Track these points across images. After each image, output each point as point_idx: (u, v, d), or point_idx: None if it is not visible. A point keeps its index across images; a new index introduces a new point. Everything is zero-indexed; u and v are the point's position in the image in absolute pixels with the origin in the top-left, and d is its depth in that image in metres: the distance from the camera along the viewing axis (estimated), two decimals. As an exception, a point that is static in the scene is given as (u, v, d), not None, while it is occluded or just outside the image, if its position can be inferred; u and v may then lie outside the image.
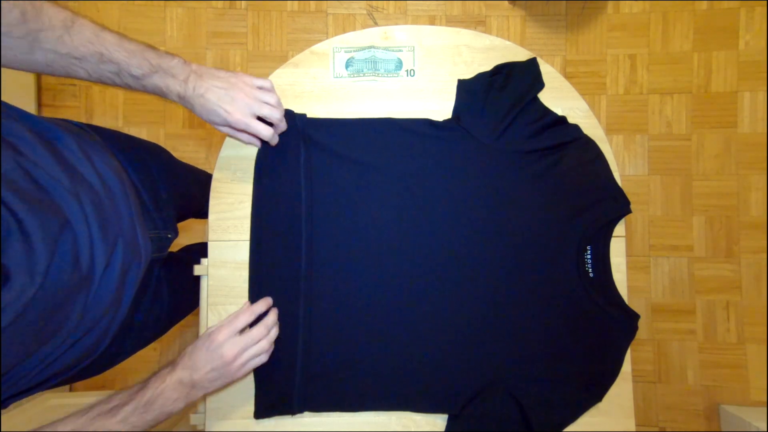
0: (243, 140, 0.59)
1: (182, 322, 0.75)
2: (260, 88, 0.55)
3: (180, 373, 0.49)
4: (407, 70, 0.65)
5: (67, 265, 0.41)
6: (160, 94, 0.50)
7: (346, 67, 0.66)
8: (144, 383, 0.48)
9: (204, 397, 0.61)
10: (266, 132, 0.56)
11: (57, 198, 0.42)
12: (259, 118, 0.55)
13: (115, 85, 0.47)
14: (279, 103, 0.56)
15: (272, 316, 0.58)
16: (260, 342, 0.54)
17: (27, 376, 0.44)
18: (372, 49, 0.63)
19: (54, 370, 0.47)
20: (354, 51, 0.66)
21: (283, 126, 0.60)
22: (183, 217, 0.73)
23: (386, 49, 0.62)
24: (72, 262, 0.42)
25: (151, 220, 0.60)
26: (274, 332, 0.57)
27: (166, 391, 0.48)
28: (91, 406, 0.45)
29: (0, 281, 0.34)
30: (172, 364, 0.51)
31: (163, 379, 0.49)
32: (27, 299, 0.36)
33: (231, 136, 0.59)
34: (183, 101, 0.51)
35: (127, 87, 0.47)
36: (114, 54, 0.45)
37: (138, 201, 0.56)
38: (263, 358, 0.55)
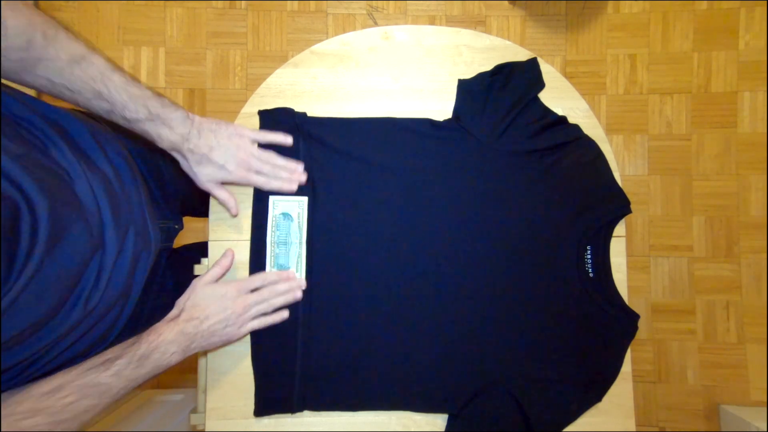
0: (220, 197, 0.59)
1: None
2: (254, 141, 0.58)
3: (183, 325, 0.49)
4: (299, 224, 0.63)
5: (79, 247, 0.41)
6: (150, 139, 0.49)
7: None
8: (137, 337, 0.47)
9: (205, 353, 0.62)
10: (267, 186, 0.59)
11: (69, 182, 0.42)
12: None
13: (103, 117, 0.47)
14: (271, 155, 0.59)
15: (282, 285, 0.59)
16: (268, 301, 0.56)
17: (39, 362, 0.44)
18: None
19: (65, 358, 0.47)
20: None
21: (280, 174, 0.61)
22: (183, 213, 0.73)
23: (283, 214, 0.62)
24: (83, 246, 0.42)
25: (159, 209, 0.60)
26: (281, 299, 0.59)
27: (163, 345, 0.47)
28: (84, 360, 0.44)
29: (15, 259, 0.34)
30: (166, 318, 0.50)
31: (158, 333, 0.47)
32: (27, 278, 0.36)
33: (212, 193, 0.58)
34: (177, 153, 0.52)
35: (116, 122, 0.47)
36: (113, 95, 0.44)
37: (147, 190, 0.56)
38: (267, 320, 0.57)
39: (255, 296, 0.56)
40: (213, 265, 0.57)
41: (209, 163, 0.53)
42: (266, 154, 0.59)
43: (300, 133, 0.64)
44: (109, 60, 0.44)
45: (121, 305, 0.51)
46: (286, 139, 0.59)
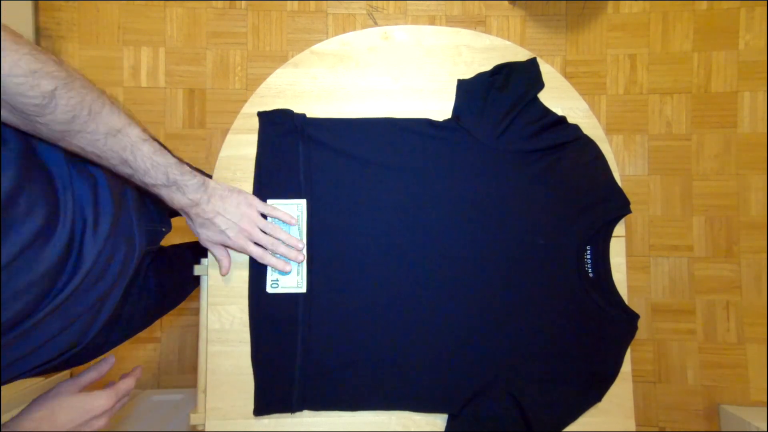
0: (216, 255, 0.61)
1: (182, 322, 0.75)
2: (261, 214, 0.60)
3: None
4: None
5: (57, 249, 0.41)
6: (162, 199, 0.51)
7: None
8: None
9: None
10: (258, 253, 0.59)
11: (56, 182, 0.42)
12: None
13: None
14: (276, 229, 0.61)
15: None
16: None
17: (20, 360, 0.44)
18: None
19: (42, 358, 0.47)
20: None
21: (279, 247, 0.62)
22: (175, 213, 0.73)
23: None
24: (64, 245, 0.42)
25: (147, 212, 0.60)
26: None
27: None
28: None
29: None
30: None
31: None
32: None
33: (210, 250, 0.62)
34: (184, 212, 0.54)
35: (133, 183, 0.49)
36: (138, 163, 0.45)
37: (136, 193, 0.57)
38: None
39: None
40: (89, 370, 0.54)
41: (212, 226, 0.56)
42: (271, 226, 0.60)
43: (299, 134, 0.64)
44: (143, 130, 0.46)
45: (97, 308, 0.51)
46: (291, 220, 0.62)
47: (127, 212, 0.53)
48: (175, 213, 0.73)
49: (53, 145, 0.43)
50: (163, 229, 0.65)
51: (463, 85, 0.67)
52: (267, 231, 0.60)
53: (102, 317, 0.52)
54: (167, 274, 0.71)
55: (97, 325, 0.52)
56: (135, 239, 0.54)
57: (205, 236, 0.57)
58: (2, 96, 0.34)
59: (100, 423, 0.50)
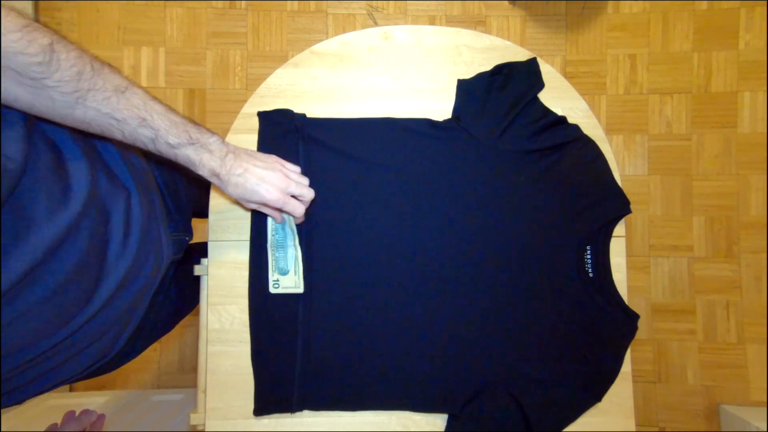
0: (271, 215, 0.59)
1: (182, 322, 0.75)
2: (292, 170, 0.57)
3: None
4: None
5: (91, 256, 0.41)
6: (192, 166, 0.50)
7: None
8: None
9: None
10: (300, 210, 0.56)
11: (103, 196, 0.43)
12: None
13: (146, 149, 0.47)
14: (309, 187, 0.58)
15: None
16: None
17: (52, 370, 0.44)
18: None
19: (73, 371, 0.47)
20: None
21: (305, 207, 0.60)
22: (198, 212, 0.73)
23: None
24: (97, 255, 0.42)
25: (173, 222, 0.60)
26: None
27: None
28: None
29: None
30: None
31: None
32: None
33: (261, 211, 0.59)
34: (216, 178, 0.51)
35: (159, 153, 0.47)
36: (157, 122, 0.45)
37: (163, 205, 0.57)
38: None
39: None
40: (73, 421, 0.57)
41: (246, 182, 0.52)
42: (305, 178, 0.57)
43: (299, 134, 0.64)
44: (147, 91, 0.45)
45: (127, 317, 0.51)
46: (310, 193, 0.58)
47: (156, 224, 0.53)
48: (198, 212, 0.73)
49: (80, 152, 0.43)
50: (187, 238, 0.64)
51: (463, 85, 0.67)
52: (302, 182, 0.57)
53: (130, 328, 0.53)
54: (185, 278, 0.70)
55: (125, 336, 0.53)
56: (163, 251, 0.54)
57: (242, 195, 0.53)
58: (5, 61, 0.34)
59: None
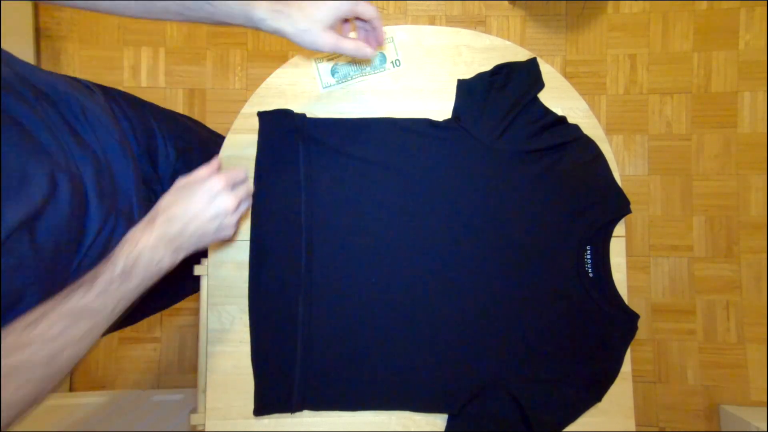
0: (344, 48, 0.52)
1: (182, 322, 0.75)
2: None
3: (163, 228, 0.43)
4: (392, 62, 0.66)
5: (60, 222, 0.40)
6: (245, 12, 0.46)
7: (332, 75, 0.67)
8: (106, 258, 0.41)
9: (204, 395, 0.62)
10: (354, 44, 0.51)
11: (56, 156, 0.41)
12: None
13: (199, 19, 0.45)
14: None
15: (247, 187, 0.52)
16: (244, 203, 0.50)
17: None
18: None
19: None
20: (336, 57, 0.67)
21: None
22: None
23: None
24: (64, 224, 0.41)
25: (148, 192, 0.59)
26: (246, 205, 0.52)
27: (146, 252, 0.42)
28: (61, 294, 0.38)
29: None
30: (137, 226, 0.44)
31: (134, 242, 0.42)
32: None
33: (335, 50, 0.52)
34: (277, 14, 0.47)
35: (209, 14, 0.45)
36: None
37: (138, 172, 0.55)
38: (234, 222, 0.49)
39: (244, 190, 0.50)
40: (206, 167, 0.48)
41: (307, 7, 0.48)
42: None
43: (299, 134, 0.64)
44: None
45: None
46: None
47: (127, 194, 0.51)
48: None
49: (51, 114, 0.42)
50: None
51: (463, 85, 0.67)
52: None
53: None
54: None
55: None
56: (135, 217, 0.53)
57: (309, 31, 0.48)
58: None
59: (232, 223, 0.48)
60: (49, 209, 0.39)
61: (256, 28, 0.49)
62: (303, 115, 0.65)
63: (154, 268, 0.43)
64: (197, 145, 0.73)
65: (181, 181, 0.47)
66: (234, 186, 0.48)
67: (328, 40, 0.49)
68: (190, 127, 0.75)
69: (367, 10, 0.52)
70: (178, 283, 0.73)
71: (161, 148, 0.64)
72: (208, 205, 0.45)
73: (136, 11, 0.45)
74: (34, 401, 0.35)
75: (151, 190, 0.61)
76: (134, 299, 0.43)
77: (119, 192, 0.50)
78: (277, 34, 0.49)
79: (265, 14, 0.47)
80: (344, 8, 0.50)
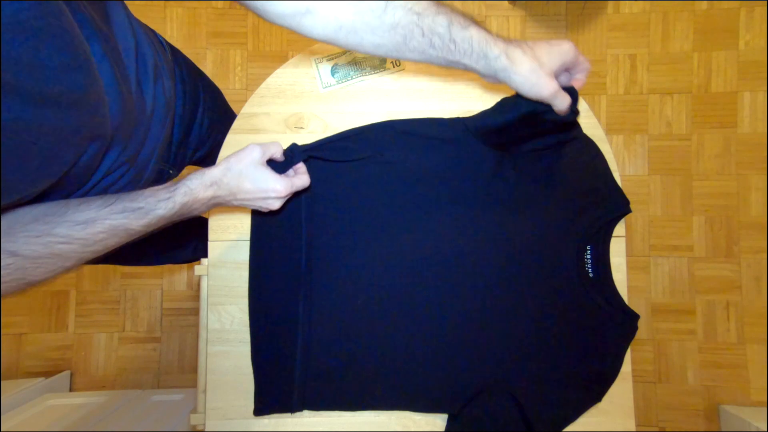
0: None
1: (182, 322, 0.75)
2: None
3: (220, 195, 0.49)
4: (392, 62, 0.65)
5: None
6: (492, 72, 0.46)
7: (333, 75, 0.67)
8: (172, 192, 0.45)
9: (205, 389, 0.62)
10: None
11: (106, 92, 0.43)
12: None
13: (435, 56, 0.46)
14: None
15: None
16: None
17: None
18: (351, 52, 0.63)
19: None
20: (335, 57, 0.67)
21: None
22: (189, 161, 0.73)
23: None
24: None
25: (168, 152, 0.61)
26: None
27: (196, 205, 0.47)
28: (115, 199, 0.43)
29: None
30: (204, 181, 0.48)
31: (195, 197, 0.47)
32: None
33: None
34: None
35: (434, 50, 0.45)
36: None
37: (169, 133, 0.58)
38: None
39: (300, 182, 0.54)
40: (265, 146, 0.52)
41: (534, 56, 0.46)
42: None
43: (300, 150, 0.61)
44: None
45: None
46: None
47: (150, 150, 0.53)
48: (193, 161, 0.72)
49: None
50: (171, 171, 0.65)
51: (486, 121, 0.63)
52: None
53: None
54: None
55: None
56: (143, 176, 0.54)
57: (534, 71, 0.46)
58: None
59: (275, 205, 0.52)
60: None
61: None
62: (294, 145, 0.59)
63: (193, 214, 0.48)
64: (228, 121, 0.75)
65: (251, 164, 0.50)
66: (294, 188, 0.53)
67: (551, 86, 0.47)
68: (227, 110, 0.78)
69: (586, 64, 0.51)
70: (180, 243, 0.74)
71: (198, 117, 0.66)
72: (265, 193, 0.51)
73: (388, 49, 0.46)
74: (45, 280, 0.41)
75: (169, 154, 0.62)
76: (161, 226, 0.47)
77: (145, 147, 0.52)
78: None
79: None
80: (569, 58, 0.49)
